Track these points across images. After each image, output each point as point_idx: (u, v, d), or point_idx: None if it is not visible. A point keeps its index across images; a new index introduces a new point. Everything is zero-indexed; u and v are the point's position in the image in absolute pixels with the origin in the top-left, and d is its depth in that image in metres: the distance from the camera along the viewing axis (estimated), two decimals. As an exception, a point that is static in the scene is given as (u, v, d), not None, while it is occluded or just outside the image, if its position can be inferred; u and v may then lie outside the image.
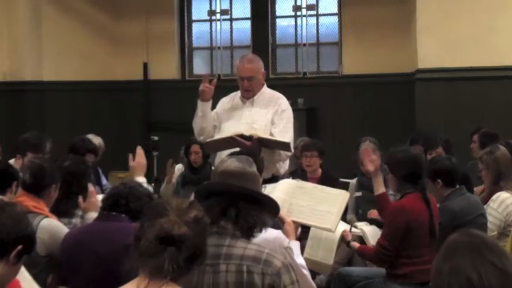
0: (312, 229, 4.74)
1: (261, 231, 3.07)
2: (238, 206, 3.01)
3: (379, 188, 5.13)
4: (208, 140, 5.67)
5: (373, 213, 6.00)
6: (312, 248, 4.74)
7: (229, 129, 5.52)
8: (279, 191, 4.30)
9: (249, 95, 5.65)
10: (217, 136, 5.61)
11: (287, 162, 5.70)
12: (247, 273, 2.89)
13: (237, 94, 5.75)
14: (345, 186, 6.32)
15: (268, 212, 3.14)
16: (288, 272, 2.92)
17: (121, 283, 2.55)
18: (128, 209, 3.79)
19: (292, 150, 5.62)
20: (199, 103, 5.62)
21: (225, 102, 5.80)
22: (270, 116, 5.59)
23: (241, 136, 5.30)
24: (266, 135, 5.42)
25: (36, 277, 4.00)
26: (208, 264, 2.80)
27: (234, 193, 3.03)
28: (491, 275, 2.05)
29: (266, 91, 5.74)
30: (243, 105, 5.67)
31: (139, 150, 5.07)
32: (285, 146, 5.42)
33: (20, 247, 2.64)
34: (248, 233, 3.02)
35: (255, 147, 5.21)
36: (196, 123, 5.69)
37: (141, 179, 4.77)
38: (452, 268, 2.08)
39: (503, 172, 5.48)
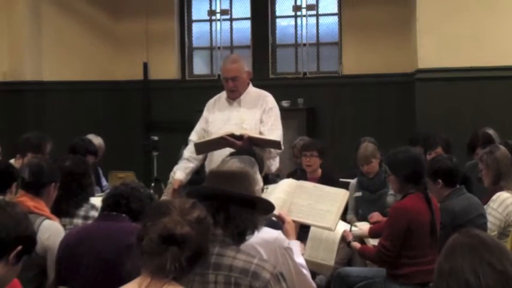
0: (312, 230, 4.73)
1: (253, 233, 3.03)
2: (227, 211, 2.96)
3: (364, 233, 5.41)
4: (198, 141, 5.69)
5: (374, 217, 5.99)
6: (312, 249, 4.73)
7: (218, 131, 5.53)
8: (279, 191, 4.30)
9: (234, 95, 5.66)
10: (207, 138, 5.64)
11: (277, 160, 5.71)
12: (235, 285, 2.84)
13: (223, 95, 5.77)
14: (345, 186, 6.32)
15: (261, 211, 3.11)
16: (278, 283, 2.87)
17: (122, 283, 2.55)
18: (129, 209, 3.79)
19: (282, 147, 5.63)
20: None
21: (211, 104, 5.83)
22: (258, 115, 5.61)
23: (232, 136, 5.31)
24: (256, 135, 5.43)
25: (35, 278, 4.01)
26: (197, 273, 2.75)
27: (223, 197, 2.98)
28: (489, 277, 2.04)
29: (252, 90, 5.75)
30: (231, 106, 5.69)
31: None
32: (275, 144, 5.44)
33: (19, 248, 2.64)
34: (239, 238, 2.98)
35: (246, 147, 5.22)
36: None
37: None
38: (452, 269, 2.07)
39: (503, 172, 5.48)
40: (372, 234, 5.35)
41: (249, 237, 3.02)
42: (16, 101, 9.97)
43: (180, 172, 5.83)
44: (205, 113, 5.84)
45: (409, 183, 4.77)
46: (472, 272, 2.04)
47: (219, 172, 3.24)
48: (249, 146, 5.26)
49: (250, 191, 3.14)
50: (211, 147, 5.60)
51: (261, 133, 5.53)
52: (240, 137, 5.29)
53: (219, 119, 5.67)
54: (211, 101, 5.87)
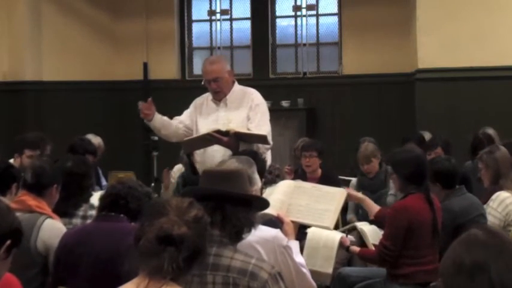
0: (308, 238, 4.72)
1: (249, 231, 3.03)
2: (224, 210, 2.96)
3: (373, 210, 5.11)
4: (185, 139, 5.69)
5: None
6: (310, 257, 4.70)
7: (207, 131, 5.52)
8: (277, 193, 4.30)
9: (219, 96, 5.64)
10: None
11: (269, 157, 5.67)
12: (233, 285, 2.85)
13: (209, 96, 5.75)
14: (345, 184, 6.33)
15: (257, 208, 3.11)
16: (276, 283, 2.87)
17: (120, 283, 2.54)
18: (127, 209, 3.78)
19: (271, 142, 5.60)
20: (148, 123, 5.80)
21: (197, 103, 5.81)
22: (244, 113, 5.58)
23: (218, 132, 5.30)
24: (242, 130, 5.41)
25: (36, 277, 4.00)
26: (195, 274, 2.74)
27: (219, 197, 2.98)
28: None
29: (237, 89, 5.72)
30: (217, 107, 5.67)
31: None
32: (262, 139, 5.40)
33: (8, 242, 2.64)
34: (236, 237, 2.98)
35: (233, 143, 5.22)
36: (159, 135, 5.88)
37: None
38: (476, 264, 1.97)
39: (502, 173, 5.47)
40: (378, 217, 5.26)
41: (245, 235, 3.02)
42: (16, 101, 9.97)
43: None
44: (191, 109, 5.83)
45: (410, 182, 4.76)
46: (496, 271, 1.99)
47: (213, 172, 3.23)
48: (235, 142, 5.25)
49: (245, 189, 3.15)
50: (198, 145, 5.61)
51: (248, 130, 5.51)
52: (226, 133, 5.28)
53: (208, 121, 5.65)
54: (198, 100, 5.84)
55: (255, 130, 5.48)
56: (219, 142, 5.27)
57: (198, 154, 5.76)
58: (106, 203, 3.82)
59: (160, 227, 2.43)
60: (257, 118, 5.55)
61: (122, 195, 3.80)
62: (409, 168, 4.76)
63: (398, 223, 4.66)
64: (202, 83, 5.75)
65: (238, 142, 5.30)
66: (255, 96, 5.67)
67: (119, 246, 3.35)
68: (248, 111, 5.58)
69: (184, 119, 5.82)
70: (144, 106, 5.74)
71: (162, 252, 2.40)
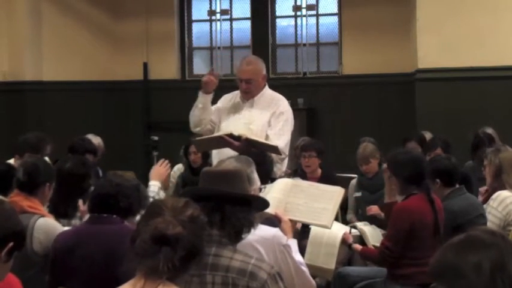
0: (311, 235, 4.72)
1: (249, 231, 3.03)
2: (223, 210, 2.96)
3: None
4: (197, 138, 5.68)
5: (373, 209, 6.00)
6: (312, 253, 4.71)
7: (227, 128, 5.52)
8: (275, 191, 4.30)
9: (247, 96, 5.65)
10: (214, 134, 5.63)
11: (285, 164, 5.66)
12: (232, 285, 2.85)
13: (239, 93, 5.76)
14: (344, 181, 6.32)
15: (257, 208, 3.12)
16: (275, 283, 2.87)
17: (118, 285, 2.54)
18: (118, 208, 3.77)
19: (286, 153, 5.58)
20: (201, 95, 5.61)
21: (227, 99, 5.82)
22: (267, 118, 5.57)
23: (231, 136, 5.29)
24: (255, 137, 5.38)
25: (34, 277, 3.99)
26: (194, 274, 2.76)
27: (218, 197, 2.98)
28: None
29: (267, 92, 5.72)
30: (243, 105, 5.68)
31: (163, 162, 5.17)
32: (273, 149, 5.35)
33: (11, 244, 2.64)
34: (236, 237, 2.99)
35: (244, 148, 5.20)
36: (195, 115, 5.67)
37: (153, 183, 4.82)
38: (495, 264, 1.93)
39: (504, 170, 5.47)
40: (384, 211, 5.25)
41: (245, 235, 3.02)
42: (16, 101, 9.98)
43: None
44: (219, 104, 5.82)
45: (410, 184, 4.75)
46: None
47: (212, 172, 3.24)
48: (246, 148, 5.24)
49: (244, 189, 3.15)
50: (210, 146, 5.60)
51: (267, 136, 5.50)
52: (238, 138, 5.28)
53: (232, 117, 5.65)
54: (227, 95, 5.84)
55: (273, 137, 5.46)
56: (230, 146, 5.26)
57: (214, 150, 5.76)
58: (96, 204, 3.80)
59: (155, 227, 2.43)
60: (278, 126, 5.55)
61: (111, 195, 3.77)
62: (408, 169, 4.75)
63: (400, 225, 4.65)
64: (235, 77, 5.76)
65: (250, 148, 5.27)
66: (281, 103, 5.68)
67: (116, 248, 3.34)
68: (271, 117, 5.57)
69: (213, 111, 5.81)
70: (212, 75, 5.57)
71: (158, 252, 2.40)
